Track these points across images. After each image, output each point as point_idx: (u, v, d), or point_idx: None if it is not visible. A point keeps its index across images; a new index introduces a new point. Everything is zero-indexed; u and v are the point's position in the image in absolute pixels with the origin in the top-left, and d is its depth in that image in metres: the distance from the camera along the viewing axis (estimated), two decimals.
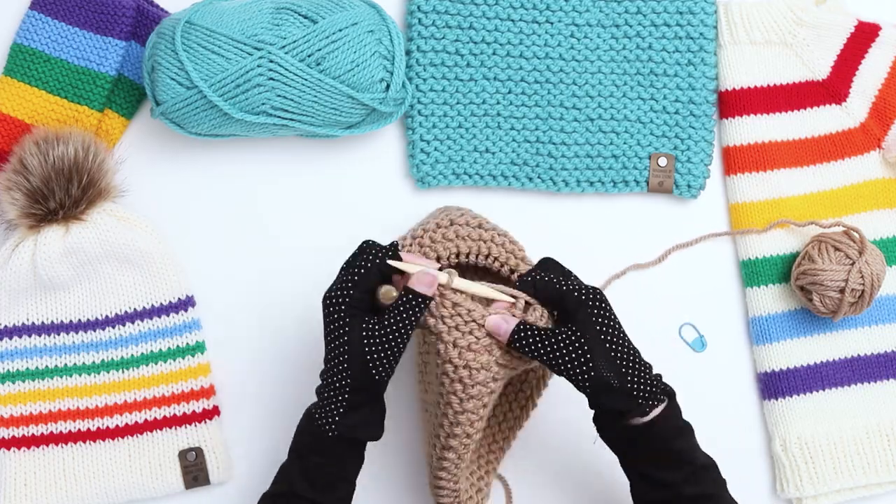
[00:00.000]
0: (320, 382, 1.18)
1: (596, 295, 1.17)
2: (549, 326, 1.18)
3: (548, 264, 1.21)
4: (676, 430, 1.18)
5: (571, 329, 1.16)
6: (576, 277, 1.20)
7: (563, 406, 1.38)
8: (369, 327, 1.15)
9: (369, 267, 1.16)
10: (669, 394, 1.18)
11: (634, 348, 1.18)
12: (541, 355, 1.16)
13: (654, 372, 1.19)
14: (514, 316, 1.18)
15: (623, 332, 1.18)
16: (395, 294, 1.17)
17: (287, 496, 1.17)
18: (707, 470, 1.19)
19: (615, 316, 1.18)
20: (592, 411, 1.20)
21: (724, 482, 1.20)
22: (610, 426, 1.19)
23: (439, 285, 1.18)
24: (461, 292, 1.19)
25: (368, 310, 1.17)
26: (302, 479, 1.17)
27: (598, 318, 1.16)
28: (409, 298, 1.16)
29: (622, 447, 1.20)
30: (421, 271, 1.17)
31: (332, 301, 1.16)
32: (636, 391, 1.15)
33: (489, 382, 1.17)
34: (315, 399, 1.19)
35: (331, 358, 1.16)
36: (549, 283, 1.18)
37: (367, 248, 1.18)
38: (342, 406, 1.15)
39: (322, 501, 1.17)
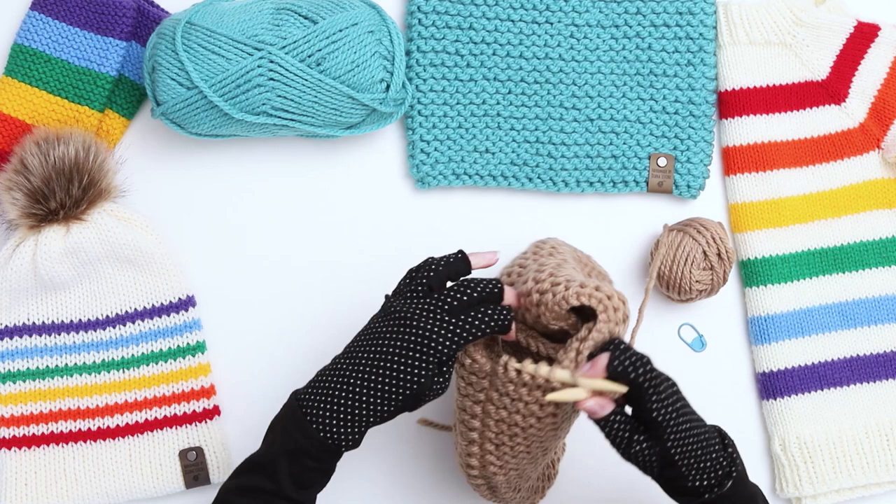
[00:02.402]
0: (349, 381, 1.14)
1: (673, 394, 1.13)
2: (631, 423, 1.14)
3: (644, 360, 1.13)
4: (748, 498, 1.17)
5: (644, 430, 1.13)
6: (659, 376, 1.14)
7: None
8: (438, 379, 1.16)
9: (489, 331, 1.14)
10: (736, 463, 1.16)
11: (701, 444, 1.14)
12: (618, 447, 1.13)
13: (716, 427, 1.18)
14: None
15: (691, 435, 1.13)
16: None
17: (271, 494, 1.13)
18: None
19: (687, 414, 1.14)
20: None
21: None
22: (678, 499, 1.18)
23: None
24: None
25: None
26: (290, 479, 1.13)
27: (668, 424, 1.12)
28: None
29: None
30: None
31: (444, 343, 1.12)
32: (700, 487, 1.14)
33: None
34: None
35: (386, 379, 1.12)
36: (643, 396, 1.12)
37: (499, 313, 1.14)
38: (368, 424, 1.13)
39: (303, 500, 1.15)
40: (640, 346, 1.40)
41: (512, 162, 1.42)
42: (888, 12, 1.44)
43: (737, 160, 1.42)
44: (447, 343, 1.12)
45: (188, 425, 1.37)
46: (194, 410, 1.37)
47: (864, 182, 1.42)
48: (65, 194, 1.32)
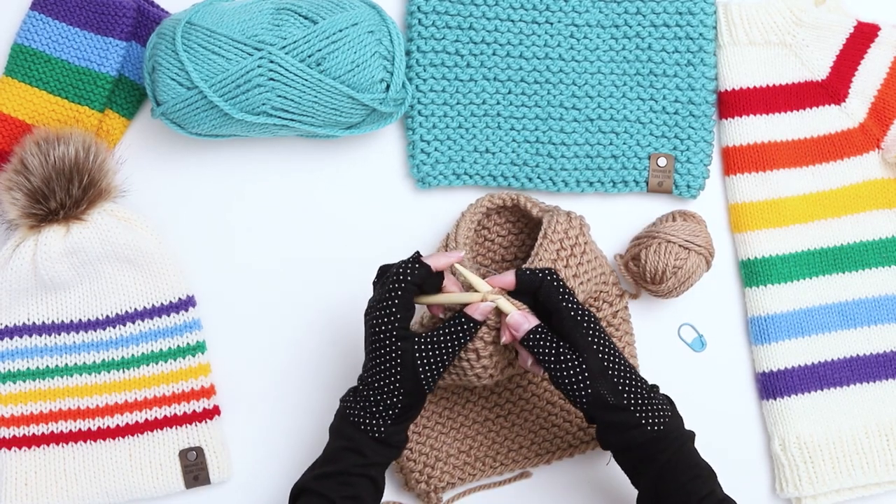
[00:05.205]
0: (359, 389, 1.21)
1: (591, 316, 1.19)
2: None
3: (553, 273, 1.22)
4: (686, 436, 1.20)
5: (570, 346, 1.18)
6: (574, 295, 1.21)
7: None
8: (422, 347, 1.19)
9: (407, 283, 1.18)
10: (671, 405, 1.20)
11: (630, 367, 1.20)
12: (547, 362, 1.19)
13: (651, 383, 1.21)
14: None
15: (617, 352, 1.20)
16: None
17: (350, 471, 1.20)
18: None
19: (609, 337, 1.20)
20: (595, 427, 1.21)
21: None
22: (613, 441, 1.20)
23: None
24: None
25: (410, 323, 1.20)
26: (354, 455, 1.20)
27: (594, 338, 1.18)
28: (464, 322, 1.20)
29: (630, 459, 1.20)
30: (481, 304, 1.20)
31: (379, 323, 1.18)
32: (634, 408, 1.17)
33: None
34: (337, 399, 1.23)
35: (379, 372, 1.19)
36: (553, 290, 1.19)
37: (401, 266, 1.20)
38: (390, 417, 1.19)
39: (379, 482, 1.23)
40: (639, 346, 1.40)
41: (512, 162, 1.42)
42: (888, 12, 1.44)
43: (737, 160, 1.42)
44: (385, 314, 1.18)
45: (188, 425, 1.37)
46: (194, 410, 1.37)
47: (864, 182, 1.42)
48: (65, 194, 1.32)
